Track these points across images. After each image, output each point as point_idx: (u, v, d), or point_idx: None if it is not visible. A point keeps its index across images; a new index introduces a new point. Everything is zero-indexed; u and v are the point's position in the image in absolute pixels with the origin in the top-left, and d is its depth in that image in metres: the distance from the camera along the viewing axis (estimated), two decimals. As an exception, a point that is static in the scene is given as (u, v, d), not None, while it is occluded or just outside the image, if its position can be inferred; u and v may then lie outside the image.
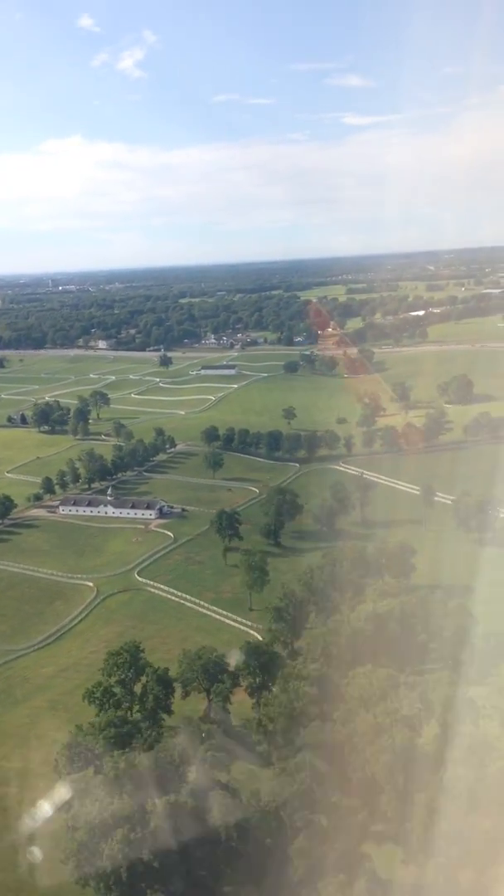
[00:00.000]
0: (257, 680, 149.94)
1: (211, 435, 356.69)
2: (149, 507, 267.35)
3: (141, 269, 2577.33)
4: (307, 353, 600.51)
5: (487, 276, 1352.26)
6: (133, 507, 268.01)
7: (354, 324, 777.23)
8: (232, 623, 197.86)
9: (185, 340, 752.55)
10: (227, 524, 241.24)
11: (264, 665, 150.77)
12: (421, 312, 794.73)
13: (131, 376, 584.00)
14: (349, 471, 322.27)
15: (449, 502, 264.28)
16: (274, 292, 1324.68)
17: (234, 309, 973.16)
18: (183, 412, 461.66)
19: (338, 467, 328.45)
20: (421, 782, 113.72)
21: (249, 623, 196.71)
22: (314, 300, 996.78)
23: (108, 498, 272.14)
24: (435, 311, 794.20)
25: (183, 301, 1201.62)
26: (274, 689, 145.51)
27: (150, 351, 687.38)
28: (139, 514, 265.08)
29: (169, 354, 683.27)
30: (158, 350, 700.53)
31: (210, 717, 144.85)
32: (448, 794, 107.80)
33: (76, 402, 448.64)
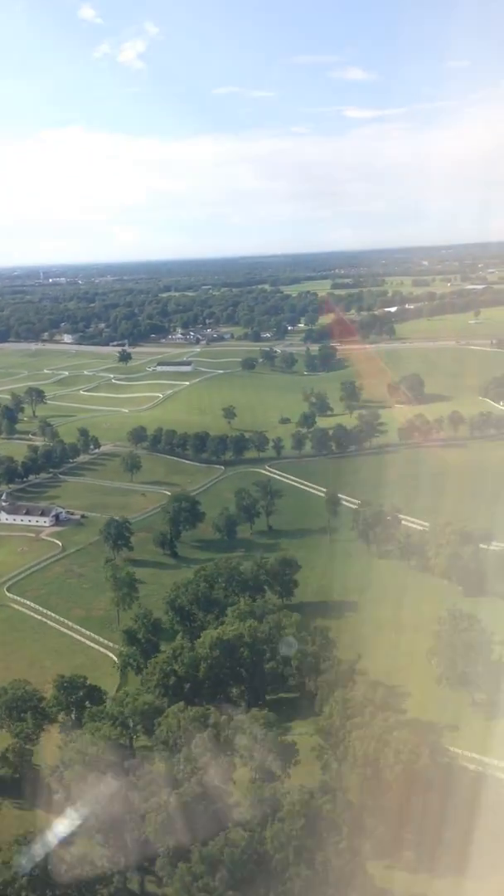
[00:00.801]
0: (72, 717, 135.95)
1: (138, 435, 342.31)
2: (43, 513, 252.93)
3: (139, 262, 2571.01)
4: (267, 349, 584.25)
5: (476, 272, 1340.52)
6: (27, 513, 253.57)
7: (326, 319, 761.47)
8: (92, 645, 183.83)
9: (153, 335, 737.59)
10: (116, 533, 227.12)
11: (80, 701, 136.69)
12: (393, 309, 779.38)
13: (86, 372, 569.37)
14: (273, 475, 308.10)
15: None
16: (261, 286, 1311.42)
17: (210, 303, 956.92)
18: (126, 410, 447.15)
19: (262, 471, 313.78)
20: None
21: (112, 645, 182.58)
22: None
23: (2, 503, 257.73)
24: (408, 307, 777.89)
25: (165, 295, 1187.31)
26: (83, 729, 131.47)
27: (114, 346, 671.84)
28: (33, 521, 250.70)
29: (134, 349, 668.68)
30: (123, 345, 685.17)
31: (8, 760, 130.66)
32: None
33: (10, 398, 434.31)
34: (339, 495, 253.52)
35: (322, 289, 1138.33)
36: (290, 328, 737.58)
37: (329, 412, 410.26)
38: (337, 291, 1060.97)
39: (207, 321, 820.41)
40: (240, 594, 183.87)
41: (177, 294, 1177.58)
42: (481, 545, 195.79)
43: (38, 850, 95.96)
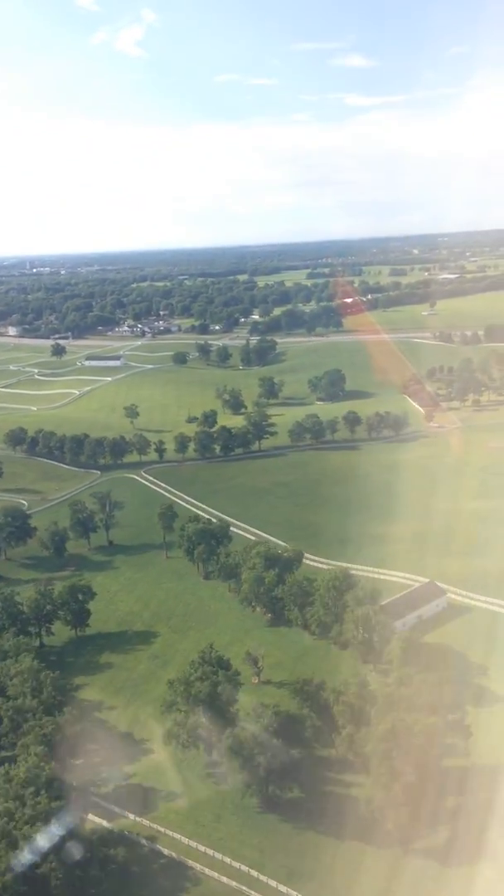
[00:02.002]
0: None
1: (16, 437, 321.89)
2: None
3: (136, 251, 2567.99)
4: (202, 343, 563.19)
5: (458, 261, 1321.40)
6: None
7: (281, 310, 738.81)
8: None
9: (99, 327, 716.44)
10: None
11: None
12: (349, 300, 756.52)
13: (12, 367, 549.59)
14: (146, 481, 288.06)
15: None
16: (239, 276, 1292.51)
17: (174, 294, 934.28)
18: (35, 408, 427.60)
19: (136, 477, 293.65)
20: None
21: None
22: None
23: None
24: (365, 298, 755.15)
25: (135, 285, 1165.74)
26: None
27: (55, 338, 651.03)
28: None
29: (77, 343, 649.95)
30: (65, 337, 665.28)
31: None
32: None
33: None
34: (207, 507, 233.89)
35: (298, 279, 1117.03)
36: (243, 320, 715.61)
37: (243, 410, 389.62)
38: (311, 281, 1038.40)
39: (161, 313, 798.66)
40: (12, 628, 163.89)
41: (144, 284, 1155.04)
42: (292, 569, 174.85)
43: None
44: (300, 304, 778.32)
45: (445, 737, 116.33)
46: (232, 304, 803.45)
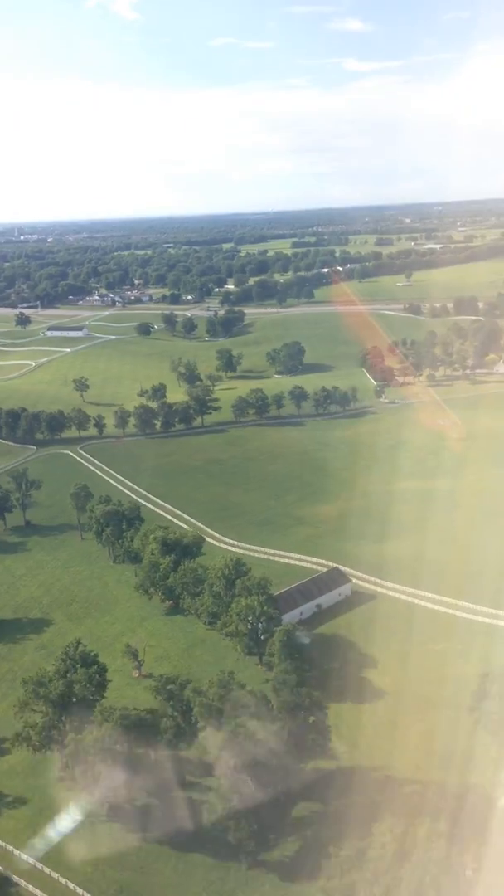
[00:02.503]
0: None
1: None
2: None
3: (125, 219, 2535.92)
4: (168, 313, 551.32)
5: (448, 230, 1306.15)
6: None
7: (255, 281, 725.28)
8: None
9: (71, 297, 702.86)
10: None
11: None
12: (325, 269, 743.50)
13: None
14: (79, 458, 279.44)
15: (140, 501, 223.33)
16: (225, 245, 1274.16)
17: (153, 263, 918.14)
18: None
19: (71, 453, 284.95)
20: None
21: None
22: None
23: None
24: (341, 268, 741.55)
25: (116, 253, 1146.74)
26: None
27: (24, 307, 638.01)
28: None
29: (45, 312, 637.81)
30: (34, 307, 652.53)
31: None
32: None
33: None
34: (134, 486, 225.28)
35: (283, 248, 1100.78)
36: (217, 290, 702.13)
37: (198, 383, 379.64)
38: (294, 250, 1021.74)
39: (136, 282, 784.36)
40: None
41: (126, 253, 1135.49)
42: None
43: None
44: (277, 274, 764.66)
45: (306, 737, 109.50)
46: (209, 273, 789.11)
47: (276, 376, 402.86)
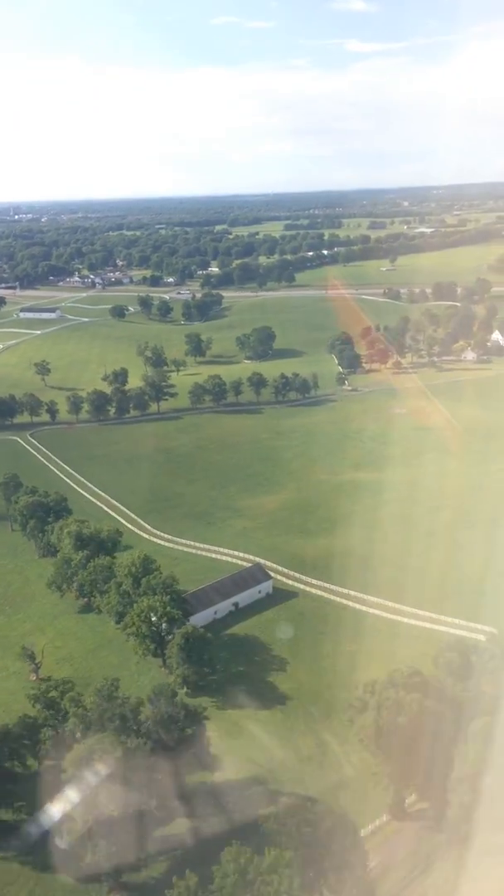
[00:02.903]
0: None
1: None
2: None
3: (123, 199, 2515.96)
4: (144, 295, 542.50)
5: (443, 214, 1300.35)
6: None
7: (252, 262, 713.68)
8: None
9: (52, 277, 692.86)
10: None
11: None
12: (310, 253, 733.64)
13: None
14: (30, 444, 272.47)
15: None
16: (218, 227, 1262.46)
17: (138, 243, 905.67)
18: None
19: (20, 440, 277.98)
20: None
21: None
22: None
23: None
24: (327, 252, 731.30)
25: (108, 234, 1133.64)
26: None
27: (2, 287, 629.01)
28: None
29: (24, 293, 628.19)
30: (13, 287, 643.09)
31: None
32: None
33: None
34: (76, 475, 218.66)
35: (276, 230, 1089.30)
36: (200, 272, 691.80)
37: (165, 368, 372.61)
38: (285, 232, 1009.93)
39: (119, 263, 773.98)
40: None
41: (115, 234, 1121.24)
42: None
43: None
44: (263, 257, 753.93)
45: (185, 751, 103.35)
46: (195, 255, 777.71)
47: (246, 362, 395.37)
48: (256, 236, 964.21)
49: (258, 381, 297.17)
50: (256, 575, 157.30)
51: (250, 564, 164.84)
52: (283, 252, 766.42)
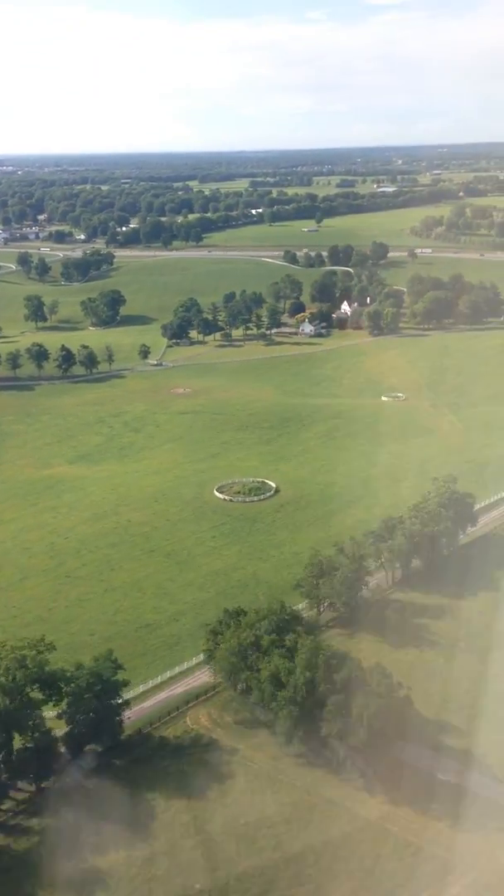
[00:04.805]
0: None
1: None
2: None
3: (125, 154, 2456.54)
4: (24, 252, 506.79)
5: (424, 172, 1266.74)
6: None
7: (170, 221, 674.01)
8: None
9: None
10: None
11: None
12: (254, 211, 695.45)
13: None
14: None
15: None
16: (189, 183, 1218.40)
17: (78, 197, 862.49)
18: None
19: None
20: None
21: None
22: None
23: None
24: (257, 211, 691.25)
25: (65, 187, 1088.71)
26: None
27: None
28: None
29: None
30: None
31: None
32: None
33: None
34: None
35: (240, 187, 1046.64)
36: (120, 229, 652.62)
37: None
38: (234, 188, 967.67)
39: (39, 217, 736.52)
40: None
41: (64, 188, 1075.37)
42: None
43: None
44: (190, 215, 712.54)
45: None
46: (130, 210, 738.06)
47: (91, 329, 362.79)
48: (204, 194, 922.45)
49: (38, 354, 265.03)
50: None
51: None
52: (215, 210, 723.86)
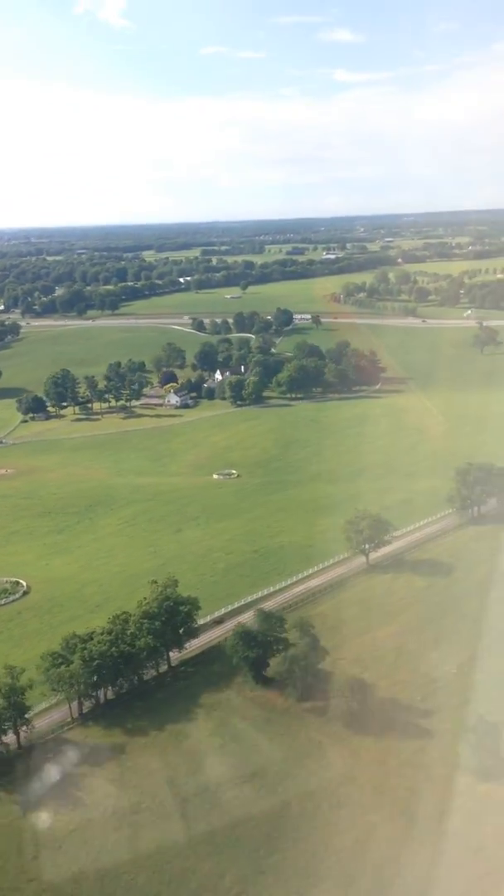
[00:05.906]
0: None
1: None
2: None
3: (95, 226, 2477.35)
4: None
5: (375, 240, 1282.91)
6: None
7: (95, 289, 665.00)
8: None
9: None
10: None
11: None
12: (181, 279, 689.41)
13: None
14: None
15: None
16: (145, 252, 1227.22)
17: (17, 268, 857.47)
18: None
19: None
20: None
21: None
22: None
23: None
24: (184, 279, 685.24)
25: (18, 260, 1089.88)
26: None
27: None
28: None
29: None
30: None
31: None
32: None
33: None
34: None
35: (191, 255, 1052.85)
36: (44, 298, 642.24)
37: None
38: (186, 256, 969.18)
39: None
40: None
41: (21, 259, 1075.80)
42: None
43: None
44: (129, 284, 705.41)
45: None
46: (64, 279, 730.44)
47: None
48: (168, 260, 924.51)
49: None
50: None
51: None
52: (147, 278, 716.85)
